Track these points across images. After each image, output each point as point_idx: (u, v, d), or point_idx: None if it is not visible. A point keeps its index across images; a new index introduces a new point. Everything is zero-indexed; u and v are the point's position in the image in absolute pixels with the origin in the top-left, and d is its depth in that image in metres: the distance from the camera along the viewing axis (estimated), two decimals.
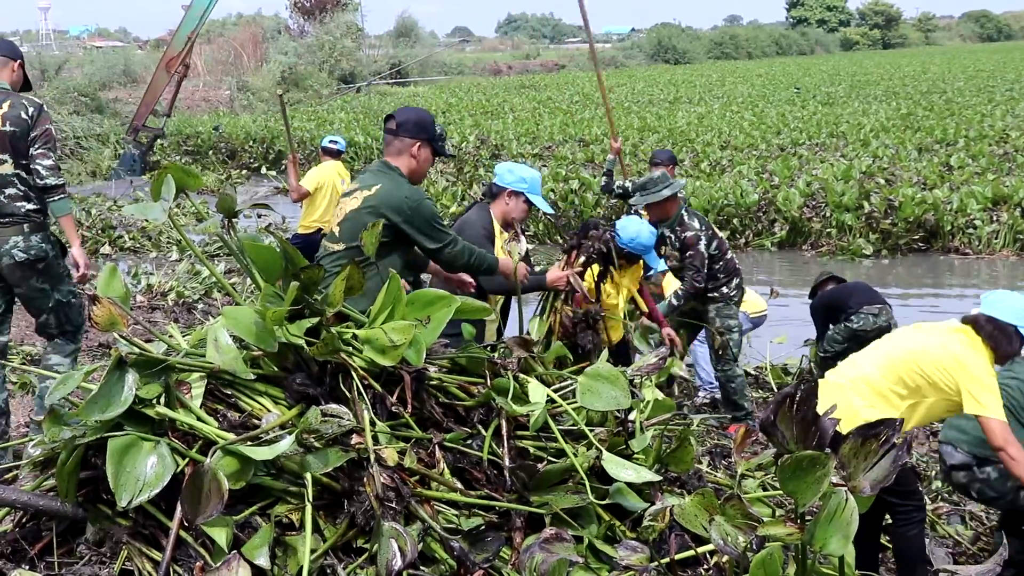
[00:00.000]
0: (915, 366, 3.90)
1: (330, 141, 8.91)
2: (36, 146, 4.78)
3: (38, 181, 4.77)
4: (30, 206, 4.83)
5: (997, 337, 3.89)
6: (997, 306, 3.90)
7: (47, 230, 4.90)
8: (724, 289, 6.25)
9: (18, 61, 5.01)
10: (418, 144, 4.04)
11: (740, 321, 6.50)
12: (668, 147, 18.29)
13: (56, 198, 4.82)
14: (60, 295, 4.94)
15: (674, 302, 6.14)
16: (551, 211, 5.02)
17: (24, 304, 5.03)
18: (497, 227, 4.85)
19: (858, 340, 6.65)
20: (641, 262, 5.63)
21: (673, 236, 6.23)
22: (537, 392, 2.90)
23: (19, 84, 5.03)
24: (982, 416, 3.76)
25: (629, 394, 2.93)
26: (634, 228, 5.40)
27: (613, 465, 2.79)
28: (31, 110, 4.80)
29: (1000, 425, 3.72)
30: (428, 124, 4.09)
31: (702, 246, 6.12)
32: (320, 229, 8.26)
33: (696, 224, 6.18)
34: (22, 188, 4.79)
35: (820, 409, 2.24)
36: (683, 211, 6.25)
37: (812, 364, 7.00)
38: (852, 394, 3.95)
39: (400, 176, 4.00)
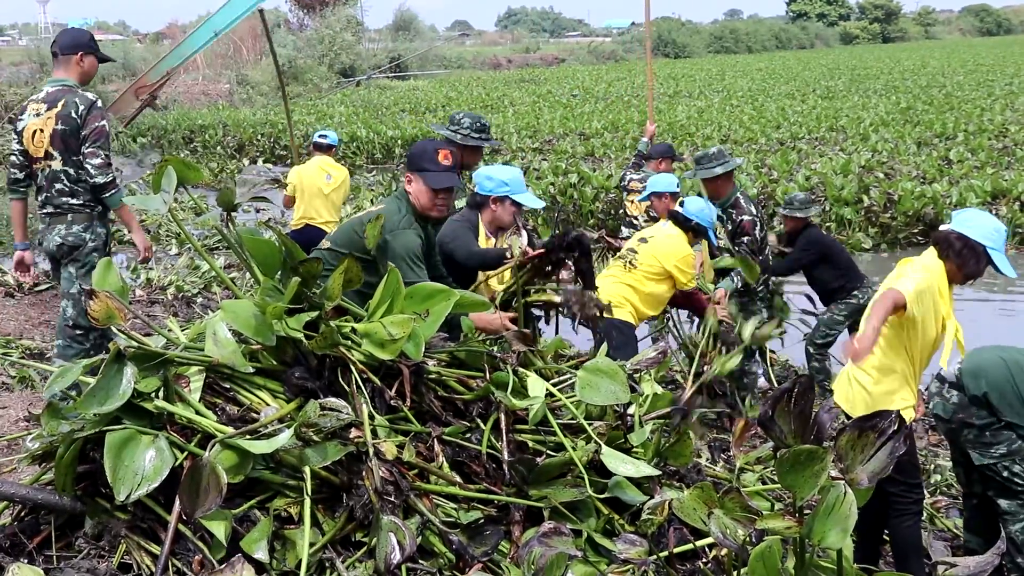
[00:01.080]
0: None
1: (320, 136, 8.80)
2: (87, 144, 5.00)
3: (89, 180, 5.01)
4: (74, 201, 5.09)
5: (965, 255, 3.83)
6: (968, 224, 3.84)
7: (92, 222, 5.13)
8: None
9: (80, 53, 5.17)
10: (409, 177, 3.96)
11: (763, 318, 6.50)
12: (669, 140, 18.30)
13: (108, 194, 5.08)
14: (83, 285, 5.07)
15: (739, 283, 6.05)
16: (540, 205, 4.94)
17: (58, 285, 5.31)
18: (483, 232, 4.83)
19: (858, 315, 6.72)
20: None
21: (726, 217, 6.14)
22: (536, 386, 2.90)
23: (90, 73, 5.27)
24: (890, 287, 3.76)
25: (628, 388, 2.92)
26: (698, 203, 5.56)
27: (612, 460, 2.79)
28: (81, 108, 5.00)
29: (893, 293, 3.70)
30: (417, 156, 3.96)
31: (757, 232, 6.06)
32: (308, 225, 8.23)
33: (753, 209, 6.12)
34: (68, 184, 5.06)
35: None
36: (738, 193, 6.19)
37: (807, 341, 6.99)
38: (855, 380, 3.97)
39: (406, 204, 3.95)
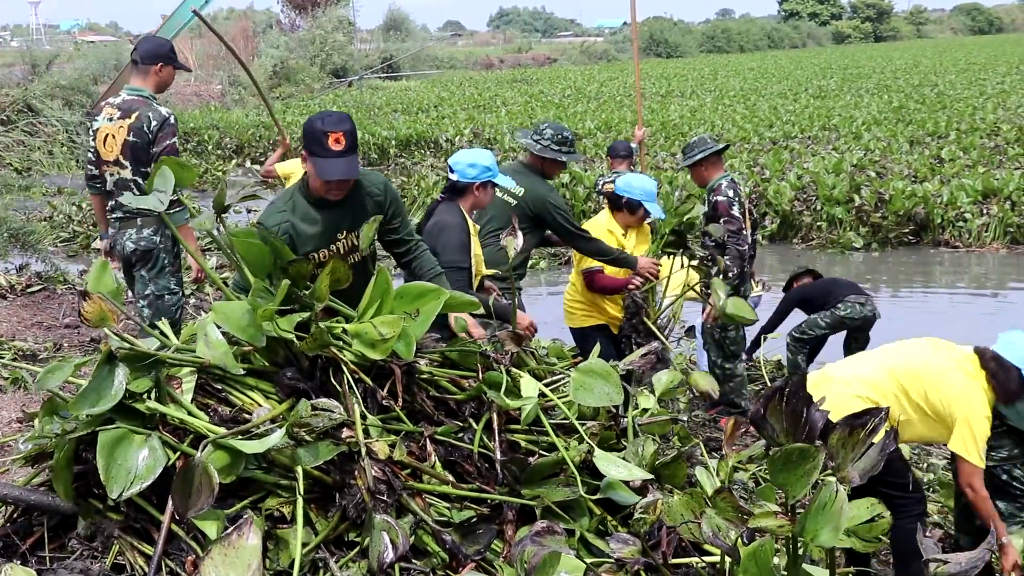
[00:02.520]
0: (919, 384, 3.88)
1: None
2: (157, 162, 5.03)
3: None
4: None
5: (999, 376, 3.84)
6: (1008, 347, 3.86)
7: (161, 224, 5.19)
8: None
9: (159, 64, 5.25)
10: (304, 155, 3.74)
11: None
12: (661, 141, 18.33)
13: (172, 211, 5.07)
14: (155, 288, 5.25)
15: (735, 268, 5.94)
16: (513, 184, 5.13)
17: (129, 286, 5.42)
18: (471, 223, 4.82)
19: (842, 328, 6.80)
20: (647, 225, 5.74)
21: (707, 201, 6.13)
22: (529, 386, 2.90)
23: (167, 83, 5.37)
24: (960, 456, 3.80)
25: (621, 390, 2.92)
26: (628, 179, 5.60)
27: (605, 463, 2.78)
28: (154, 124, 5.09)
29: (971, 467, 3.78)
30: (308, 136, 3.64)
31: (735, 211, 5.99)
32: None
33: (731, 193, 6.05)
34: (137, 192, 5.11)
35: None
36: (722, 180, 6.15)
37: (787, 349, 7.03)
38: (849, 392, 3.92)
39: (303, 186, 3.78)
